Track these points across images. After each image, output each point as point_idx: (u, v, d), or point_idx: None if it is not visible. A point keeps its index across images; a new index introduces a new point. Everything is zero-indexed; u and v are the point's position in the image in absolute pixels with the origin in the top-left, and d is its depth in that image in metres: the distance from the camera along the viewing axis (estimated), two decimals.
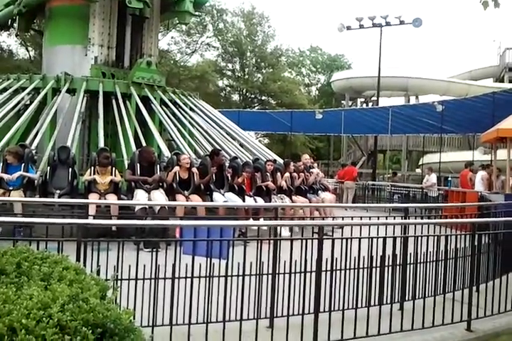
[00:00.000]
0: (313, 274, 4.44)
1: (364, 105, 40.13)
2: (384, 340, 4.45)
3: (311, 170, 12.58)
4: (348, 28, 27.04)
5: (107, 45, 12.95)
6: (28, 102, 12.23)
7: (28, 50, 34.87)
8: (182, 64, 40.27)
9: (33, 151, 9.88)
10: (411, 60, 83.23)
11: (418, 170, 34.94)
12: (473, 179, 15.04)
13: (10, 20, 14.71)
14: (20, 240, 3.62)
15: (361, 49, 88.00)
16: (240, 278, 4.39)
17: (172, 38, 39.66)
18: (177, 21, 18.00)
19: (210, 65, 40.19)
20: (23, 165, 9.12)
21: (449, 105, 21.21)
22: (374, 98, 33.76)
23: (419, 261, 5.32)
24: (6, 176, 8.89)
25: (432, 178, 17.70)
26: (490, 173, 14.41)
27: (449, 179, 18.50)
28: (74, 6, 12.96)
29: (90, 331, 1.84)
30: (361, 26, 26.49)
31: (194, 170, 9.59)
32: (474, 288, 5.32)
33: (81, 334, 1.82)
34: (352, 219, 7.07)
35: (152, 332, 3.75)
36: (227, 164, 10.62)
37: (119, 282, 3.96)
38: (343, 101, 41.63)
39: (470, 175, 15.40)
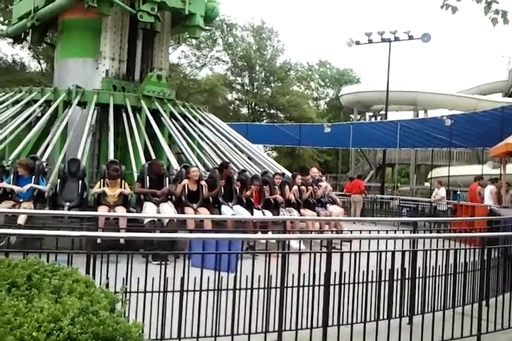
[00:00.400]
0: (322, 288, 4.43)
1: (373, 119, 40.12)
2: None
3: (319, 183, 12.57)
4: (357, 42, 27.18)
5: (118, 59, 13.10)
6: (39, 115, 12.37)
7: (40, 63, 35.23)
8: (192, 77, 40.51)
9: (44, 163, 9.95)
10: (420, 75, 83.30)
11: (427, 184, 34.78)
12: (482, 193, 14.96)
13: (23, 33, 14.92)
14: (31, 252, 3.64)
15: (370, 63, 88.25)
16: (249, 291, 4.39)
17: (182, 51, 39.97)
18: (187, 35, 18.18)
19: (220, 79, 40.42)
20: (33, 177, 9.18)
21: (457, 119, 21.18)
22: (382, 112, 33.80)
23: (428, 275, 5.29)
24: (16, 188, 8.95)
25: (441, 192, 17.62)
26: (499, 187, 14.34)
27: (458, 193, 18.38)
28: (86, 20, 13.14)
29: None
30: (370, 41, 26.62)
31: (203, 182, 9.62)
32: (484, 302, 5.28)
33: None
34: (360, 233, 7.06)
35: None
36: (235, 177, 10.64)
37: (127, 295, 3.97)
38: (351, 115, 41.63)
39: (479, 189, 15.32)
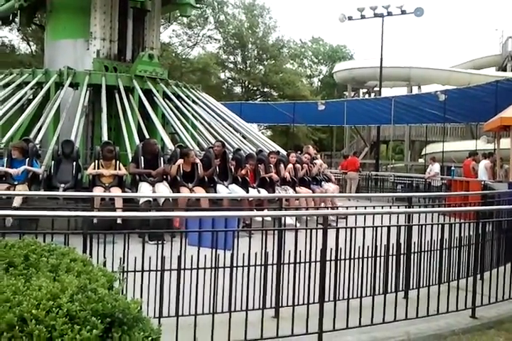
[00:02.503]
0: (318, 264, 4.47)
1: (366, 96, 39.98)
2: (389, 328, 4.48)
3: (314, 161, 12.59)
4: (350, 18, 26.93)
5: (109, 39, 12.94)
6: (31, 97, 12.26)
7: (29, 45, 34.84)
8: (184, 57, 40.20)
9: (37, 146, 9.91)
10: (413, 50, 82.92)
11: (421, 160, 34.86)
12: (476, 168, 15.02)
13: (11, 15, 14.69)
14: (27, 233, 3.64)
15: (363, 39, 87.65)
16: (246, 268, 4.42)
17: (173, 30, 39.62)
18: (178, 14, 17.98)
19: (212, 58, 40.10)
20: (27, 159, 9.16)
21: (451, 94, 21.13)
22: (376, 88, 33.68)
23: (423, 249, 5.34)
24: (11, 170, 8.93)
25: (435, 168, 17.66)
26: (493, 162, 14.40)
27: (452, 168, 18.41)
28: (75, 0, 12.95)
29: (99, 321, 1.86)
30: (363, 16, 26.38)
31: (198, 161, 9.62)
32: (478, 276, 5.34)
33: (90, 323, 1.84)
34: (356, 209, 7.09)
35: (159, 323, 3.79)
36: (230, 156, 10.63)
37: (125, 274, 3.99)
38: (345, 92, 41.50)
39: (473, 164, 15.38)
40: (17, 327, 1.78)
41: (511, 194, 9.05)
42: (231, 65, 44.26)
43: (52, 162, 9.63)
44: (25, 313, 1.82)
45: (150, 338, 1.95)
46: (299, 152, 13.25)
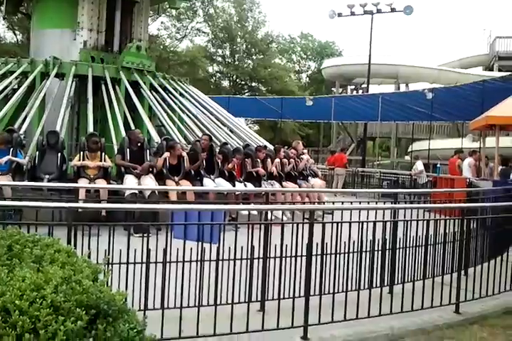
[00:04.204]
0: (304, 258, 4.47)
1: (354, 92, 40.08)
2: (374, 322, 4.50)
3: (301, 156, 12.59)
4: (339, 14, 27.00)
5: (97, 29, 12.79)
6: (15, 87, 12.08)
7: (15, 34, 34.45)
8: (172, 49, 39.98)
9: (22, 136, 9.79)
10: (402, 48, 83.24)
11: (407, 158, 35.04)
12: (462, 166, 15.12)
13: None
14: (11, 224, 3.58)
15: (352, 36, 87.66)
16: (232, 262, 4.41)
17: (162, 23, 39.37)
18: (167, 6, 17.81)
19: (200, 51, 39.97)
20: (11, 149, 9.05)
21: (439, 93, 21.23)
22: (364, 85, 33.72)
23: (408, 245, 5.37)
24: None
25: (419, 166, 17.77)
26: (477, 160, 14.50)
27: (438, 166, 18.51)
28: None
29: (84, 312, 1.84)
30: (352, 13, 26.48)
31: (184, 154, 9.57)
32: (463, 272, 5.39)
33: (75, 315, 1.82)
34: (342, 204, 7.10)
35: (144, 316, 3.76)
36: (217, 150, 10.59)
37: (110, 266, 3.96)
38: (333, 89, 41.52)
39: (458, 162, 15.47)
40: (0, 318, 1.74)
41: (495, 191, 9.12)
42: (219, 59, 44.14)
43: (37, 152, 9.53)
44: (9, 304, 1.79)
45: (135, 330, 1.93)
46: (287, 147, 13.24)
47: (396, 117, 27.34)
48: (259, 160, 10.92)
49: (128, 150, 9.35)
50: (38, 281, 1.96)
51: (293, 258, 4.68)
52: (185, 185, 9.25)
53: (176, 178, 9.30)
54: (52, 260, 2.36)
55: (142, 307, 3.88)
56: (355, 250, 4.90)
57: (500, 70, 31.95)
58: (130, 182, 8.93)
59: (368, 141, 36.29)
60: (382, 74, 33.80)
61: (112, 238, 4.15)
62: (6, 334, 1.69)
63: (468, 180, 13.07)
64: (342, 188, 17.45)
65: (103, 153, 9.32)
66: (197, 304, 4.07)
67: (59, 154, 9.42)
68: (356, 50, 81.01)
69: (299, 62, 52.24)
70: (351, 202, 7.10)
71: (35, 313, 1.78)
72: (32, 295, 1.85)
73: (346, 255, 4.86)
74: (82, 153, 9.23)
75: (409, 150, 34.00)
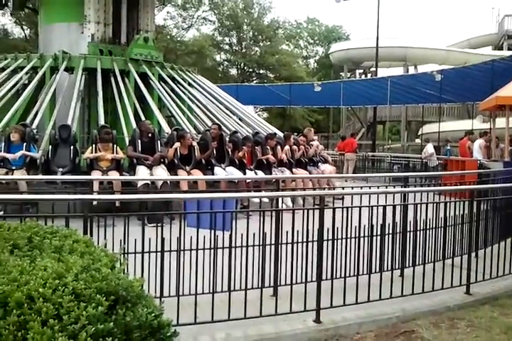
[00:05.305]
0: (315, 243, 4.54)
1: (363, 76, 39.82)
2: (385, 305, 4.58)
3: (310, 142, 12.63)
4: None
5: (104, 22, 12.87)
6: (26, 82, 12.22)
7: (23, 29, 34.55)
8: (179, 39, 39.92)
9: (34, 131, 9.92)
10: (409, 30, 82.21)
11: (418, 141, 34.86)
12: (472, 148, 15.07)
13: None
14: (28, 217, 3.69)
15: (359, 19, 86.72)
16: (244, 249, 4.50)
17: (168, 12, 39.29)
18: None
19: (207, 40, 39.85)
20: (24, 144, 9.19)
21: (447, 74, 21.06)
22: (373, 69, 33.51)
23: (418, 228, 5.42)
24: (9, 155, 8.97)
25: (429, 148, 17.68)
26: (487, 141, 14.44)
27: (448, 148, 18.39)
28: None
29: (104, 298, 1.94)
30: None
31: (195, 144, 9.66)
32: (473, 254, 5.43)
33: (95, 301, 1.92)
34: (352, 189, 7.15)
35: (160, 303, 3.86)
36: (227, 139, 10.67)
37: (126, 255, 4.06)
38: (341, 73, 41.26)
39: (469, 143, 15.42)
40: (25, 305, 1.85)
41: (506, 173, 9.13)
42: (226, 47, 44.00)
43: (50, 146, 9.66)
44: (33, 292, 1.89)
45: (153, 314, 2.02)
46: (297, 134, 13.28)
47: (405, 100, 27.15)
48: (269, 147, 10.98)
49: (139, 141, 9.45)
50: (60, 270, 2.05)
51: (304, 244, 4.76)
52: (197, 175, 9.35)
53: (187, 168, 9.40)
54: (72, 250, 2.46)
55: (158, 295, 3.98)
56: (366, 234, 4.95)
57: (510, 49, 31.61)
58: (142, 173, 9.04)
59: (378, 125, 36.08)
60: (390, 57, 33.50)
61: (126, 228, 4.25)
62: (32, 320, 1.79)
63: (479, 162, 13.04)
64: (353, 173, 17.49)
65: (115, 145, 9.44)
66: (211, 290, 4.16)
67: (71, 147, 9.54)
68: (364, 34, 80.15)
69: (307, 48, 51.88)
70: (361, 187, 7.15)
71: (58, 300, 1.88)
72: (54, 283, 1.95)
73: (357, 239, 4.92)
74: (94, 145, 9.35)
75: (420, 133, 33.83)
